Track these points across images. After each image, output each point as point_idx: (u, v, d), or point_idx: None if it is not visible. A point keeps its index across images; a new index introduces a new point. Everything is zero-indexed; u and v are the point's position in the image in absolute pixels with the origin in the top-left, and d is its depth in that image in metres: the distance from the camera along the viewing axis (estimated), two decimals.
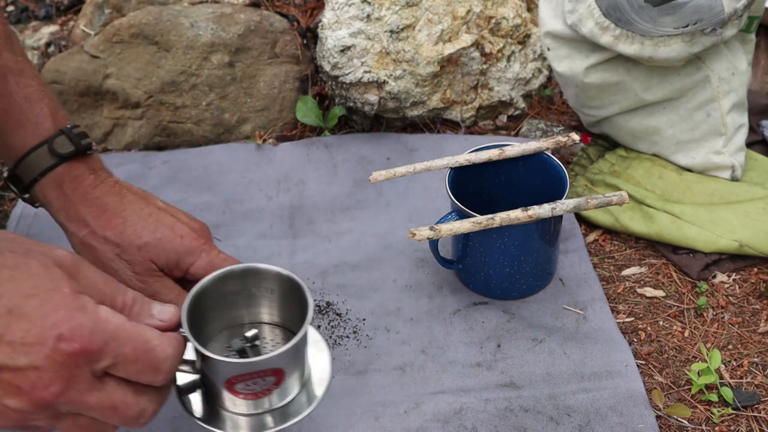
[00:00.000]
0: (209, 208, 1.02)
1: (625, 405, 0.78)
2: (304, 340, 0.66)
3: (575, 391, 0.80)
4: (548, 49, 1.06)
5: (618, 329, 0.86)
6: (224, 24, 1.16)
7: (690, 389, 0.82)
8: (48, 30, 1.37)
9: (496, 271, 0.87)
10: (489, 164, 0.89)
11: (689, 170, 1.05)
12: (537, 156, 0.89)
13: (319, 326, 0.88)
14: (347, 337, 0.86)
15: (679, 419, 0.79)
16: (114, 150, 1.17)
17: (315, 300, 0.91)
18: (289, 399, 0.67)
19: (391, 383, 0.81)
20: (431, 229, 0.79)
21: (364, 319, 0.88)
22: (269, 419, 0.66)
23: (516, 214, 0.80)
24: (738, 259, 0.96)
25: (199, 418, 0.66)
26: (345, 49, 1.08)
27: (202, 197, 1.04)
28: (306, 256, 0.96)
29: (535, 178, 0.90)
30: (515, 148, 0.88)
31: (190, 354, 0.64)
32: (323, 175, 1.08)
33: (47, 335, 0.52)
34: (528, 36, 1.21)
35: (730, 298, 0.92)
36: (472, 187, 0.90)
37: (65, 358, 0.53)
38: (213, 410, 0.67)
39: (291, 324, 0.71)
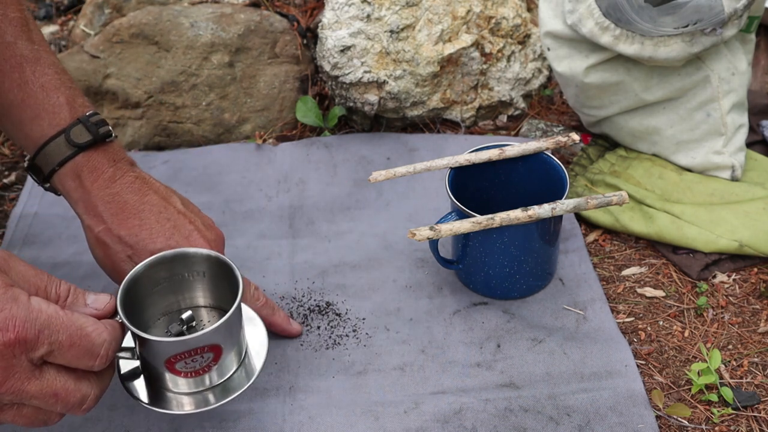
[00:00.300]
0: (209, 208, 1.02)
1: (625, 405, 0.78)
2: (236, 317, 0.68)
3: (575, 391, 0.80)
4: (548, 49, 1.06)
5: (618, 329, 0.86)
6: (224, 24, 1.16)
7: (690, 389, 0.82)
8: (48, 30, 1.37)
9: (496, 271, 0.87)
10: (489, 164, 0.89)
11: (689, 170, 1.05)
12: (537, 156, 0.89)
13: (319, 326, 0.88)
14: (347, 336, 0.86)
15: (679, 419, 0.79)
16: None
17: (315, 300, 0.91)
18: (228, 375, 0.70)
19: (390, 383, 0.81)
20: (431, 229, 0.79)
21: (363, 319, 0.88)
22: (210, 396, 0.69)
23: (516, 214, 0.80)
24: (738, 259, 0.96)
25: (145, 402, 0.68)
26: (345, 49, 1.08)
27: (202, 197, 1.04)
28: (306, 256, 0.96)
29: (535, 178, 0.90)
30: (515, 148, 0.88)
31: (129, 342, 0.66)
32: (323, 175, 1.08)
33: None
34: (528, 36, 1.21)
35: (730, 298, 0.92)
36: (472, 187, 0.90)
37: (1, 348, 0.54)
38: (157, 393, 0.69)
39: (226, 305, 0.72)
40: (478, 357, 0.84)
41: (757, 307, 0.91)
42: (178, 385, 0.68)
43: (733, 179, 1.03)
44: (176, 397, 0.69)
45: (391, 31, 1.09)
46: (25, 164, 0.77)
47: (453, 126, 1.19)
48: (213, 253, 0.71)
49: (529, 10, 1.24)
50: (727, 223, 0.95)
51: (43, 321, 0.57)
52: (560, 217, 0.85)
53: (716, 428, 0.78)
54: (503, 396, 0.79)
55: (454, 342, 0.85)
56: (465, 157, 0.88)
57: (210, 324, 0.71)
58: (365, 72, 1.09)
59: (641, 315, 0.90)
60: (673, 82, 1.01)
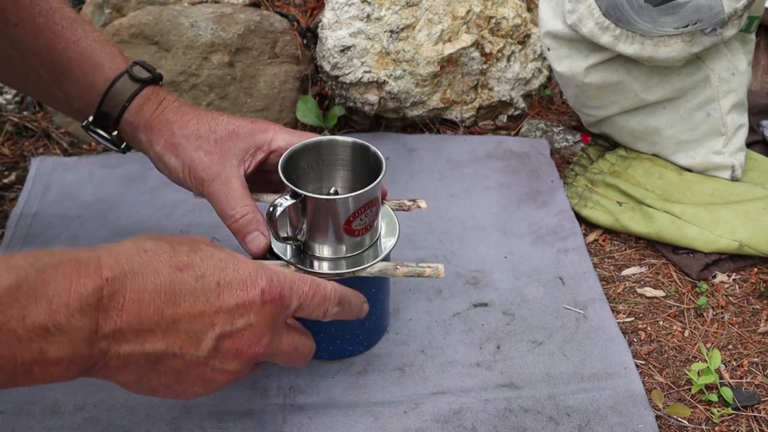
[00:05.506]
0: (210, 208, 1.02)
1: (625, 405, 0.78)
2: (379, 184, 0.73)
3: (575, 391, 0.80)
4: (548, 49, 1.06)
5: (618, 329, 0.86)
6: (224, 24, 1.16)
7: (690, 389, 0.82)
8: None
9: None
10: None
11: (689, 170, 1.05)
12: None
13: None
14: None
15: (679, 419, 0.78)
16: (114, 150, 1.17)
17: None
18: (360, 251, 0.76)
19: (390, 384, 0.81)
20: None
21: None
22: (343, 263, 0.75)
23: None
24: (738, 259, 0.96)
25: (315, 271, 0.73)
26: (345, 49, 1.08)
27: (202, 197, 1.04)
28: None
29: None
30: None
31: (283, 233, 0.73)
32: None
33: (254, 295, 0.58)
34: (528, 36, 1.21)
35: (730, 298, 0.92)
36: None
37: (272, 310, 0.59)
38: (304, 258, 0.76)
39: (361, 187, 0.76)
40: (477, 357, 0.84)
41: (757, 307, 0.91)
42: (343, 248, 0.74)
43: (733, 179, 1.03)
44: (317, 261, 0.74)
45: (391, 31, 1.09)
46: (90, 119, 0.80)
47: (453, 126, 1.19)
48: (358, 140, 0.77)
49: (529, 10, 1.24)
50: (727, 223, 0.95)
51: (289, 279, 0.61)
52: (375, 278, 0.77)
53: (716, 428, 0.78)
54: (503, 396, 0.79)
55: (453, 342, 0.85)
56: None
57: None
58: (365, 72, 1.09)
59: (641, 315, 0.90)
60: (673, 82, 1.01)
